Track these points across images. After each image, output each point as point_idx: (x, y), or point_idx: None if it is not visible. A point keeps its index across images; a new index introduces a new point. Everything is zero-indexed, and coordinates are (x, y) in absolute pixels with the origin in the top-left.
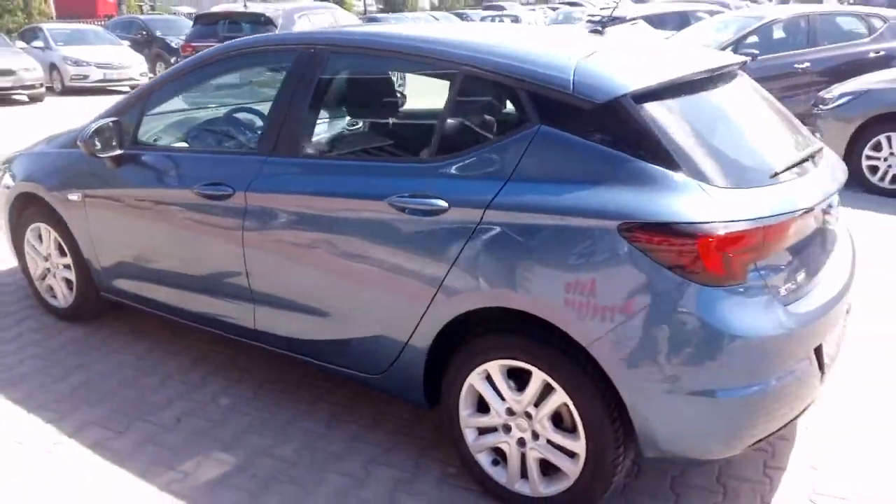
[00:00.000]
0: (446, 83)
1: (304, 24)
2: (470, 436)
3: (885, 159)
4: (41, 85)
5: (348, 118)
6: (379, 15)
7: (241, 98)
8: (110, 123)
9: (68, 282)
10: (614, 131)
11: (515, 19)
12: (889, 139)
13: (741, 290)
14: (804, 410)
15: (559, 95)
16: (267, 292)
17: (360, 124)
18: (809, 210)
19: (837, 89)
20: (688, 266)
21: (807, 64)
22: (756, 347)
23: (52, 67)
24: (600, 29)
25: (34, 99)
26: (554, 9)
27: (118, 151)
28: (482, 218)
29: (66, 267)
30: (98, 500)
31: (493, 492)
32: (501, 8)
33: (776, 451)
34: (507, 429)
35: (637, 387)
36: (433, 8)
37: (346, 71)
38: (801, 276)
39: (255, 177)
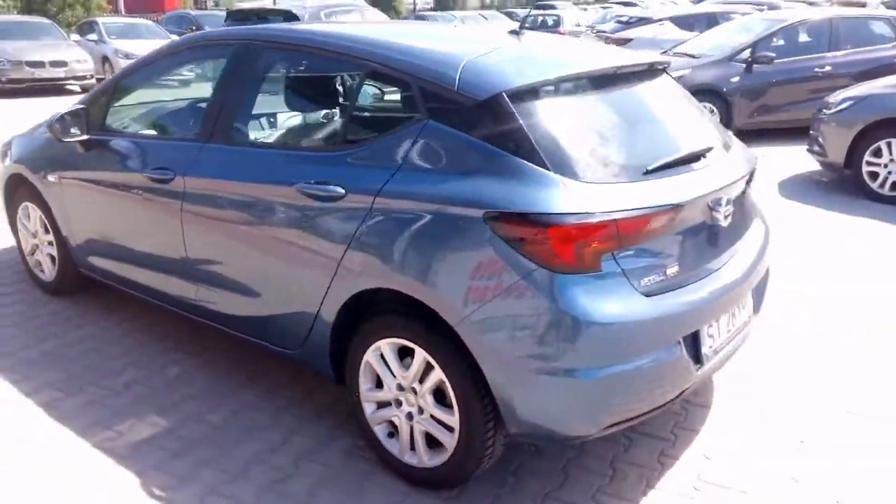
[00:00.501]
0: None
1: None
2: (368, 409)
3: (886, 165)
4: (92, 76)
5: (272, 109)
6: (428, 13)
7: (195, 88)
8: (78, 110)
9: (52, 258)
10: (491, 127)
11: (557, 20)
12: (889, 145)
13: (595, 278)
14: (678, 397)
15: (445, 92)
16: (202, 269)
17: (282, 115)
18: (678, 206)
19: (841, 94)
20: (541, 254)
21: (828, 68)
22: (609, 332)
23: (105, 60)
24: (518, 30)
25: (85, 89)
26: (605, 8)
27: (84, 137)
28: (373, 205)
29: (50, 244)
30: (35, 451)
31: (387, 462)
32: (552, 7)
33: (677, 440)
34: (399, 403)
35: (498, 366)
36: (483, 7)
37: (274, 65)
38: (672, 269)
39: (192, 162)
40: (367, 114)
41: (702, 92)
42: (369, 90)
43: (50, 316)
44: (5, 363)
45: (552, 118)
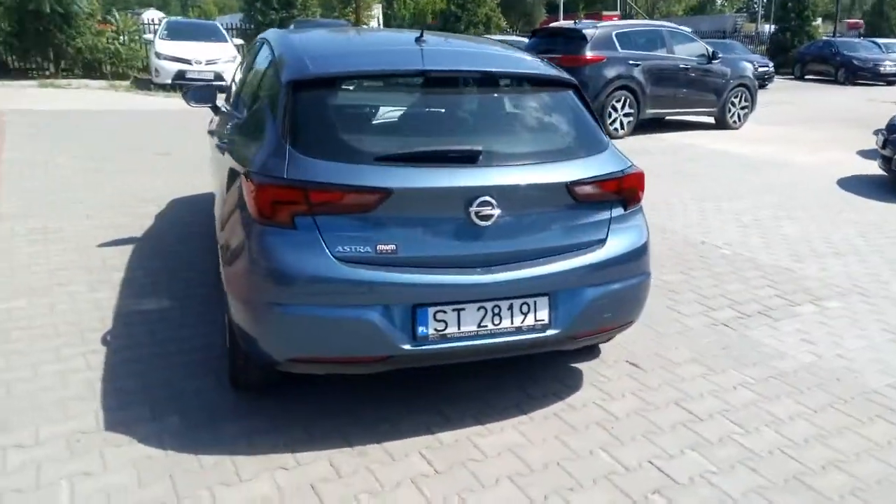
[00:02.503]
0: None
1: (623, 43)
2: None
3: None
4: None
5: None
6: None
7: None
8: (208, 86)
9: None
10: (281, 106)
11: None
12: None
13: (288, 233)
14: (382, 360)
15: (279, 80)
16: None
17: (250, 90)
18: (387, 191)
19: None
20: (252, 206)
21: None
22: (288, 278)
23: None
24: (420, 37)
25: None
26: None
27: (209, 104)
28: (226, 159)
29: None
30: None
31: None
32: None
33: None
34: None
35: (226, 290)
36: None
37: (256, 55)
38: (386, 246)
39: (223, 123)
40: (263, 92)
41: None
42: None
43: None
44: (99, 266)
45: (315, 104)
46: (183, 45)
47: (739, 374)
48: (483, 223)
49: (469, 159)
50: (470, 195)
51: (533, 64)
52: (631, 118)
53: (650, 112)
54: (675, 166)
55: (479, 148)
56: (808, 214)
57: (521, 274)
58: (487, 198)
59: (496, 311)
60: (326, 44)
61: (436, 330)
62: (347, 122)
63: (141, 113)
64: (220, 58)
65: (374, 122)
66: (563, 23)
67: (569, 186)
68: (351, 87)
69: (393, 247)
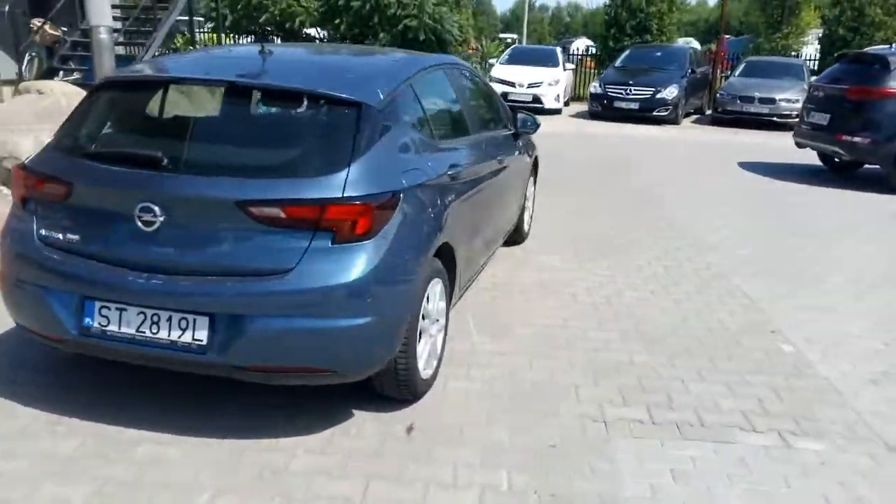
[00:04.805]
0: None
1: None
2: None
3: None
4: (795, 115)
5: None
6: None
7: None
8: None
9: None
10: None
11: None
12: None
13: (19, 213)
14: (59, 341)
15: None
16: None
17: None
18: (69, 183)
19: None
20: None
21: None
22: (9, 251)
23: None
24: (263, 49)
25: (786, 127)
26: None
27: None
28: None
29: None
30: None
31: None
32: None
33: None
34: None
35: None
36: None
37: None
38: (70, 236)
39: None
40: None
41: None
42: None
43: None
44: None
45: (88, 104)
46: (515, 69)
47: (505, 476)
48: (146, 229)
49: (149, 164)
50: (135, 199)
51: (318, 81)
52: None
53: None
54: None
55: (159, 154)
56: None
57: (178, 287)
58: (148, 204)
59: (155, 319)
60: (212, 54)
61: (99, 324)
62: (93, 122)
63: None
64: (543, 81)
65: (118, 123)
66: (878, 48)
67: (240, 205)
68: (130, 91)
69: (76, 237)
